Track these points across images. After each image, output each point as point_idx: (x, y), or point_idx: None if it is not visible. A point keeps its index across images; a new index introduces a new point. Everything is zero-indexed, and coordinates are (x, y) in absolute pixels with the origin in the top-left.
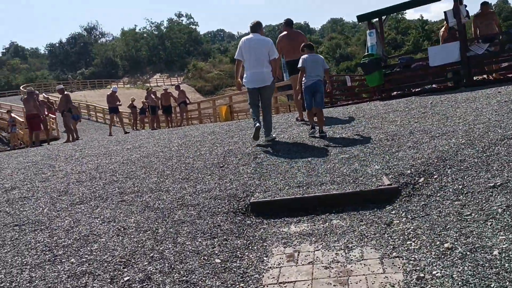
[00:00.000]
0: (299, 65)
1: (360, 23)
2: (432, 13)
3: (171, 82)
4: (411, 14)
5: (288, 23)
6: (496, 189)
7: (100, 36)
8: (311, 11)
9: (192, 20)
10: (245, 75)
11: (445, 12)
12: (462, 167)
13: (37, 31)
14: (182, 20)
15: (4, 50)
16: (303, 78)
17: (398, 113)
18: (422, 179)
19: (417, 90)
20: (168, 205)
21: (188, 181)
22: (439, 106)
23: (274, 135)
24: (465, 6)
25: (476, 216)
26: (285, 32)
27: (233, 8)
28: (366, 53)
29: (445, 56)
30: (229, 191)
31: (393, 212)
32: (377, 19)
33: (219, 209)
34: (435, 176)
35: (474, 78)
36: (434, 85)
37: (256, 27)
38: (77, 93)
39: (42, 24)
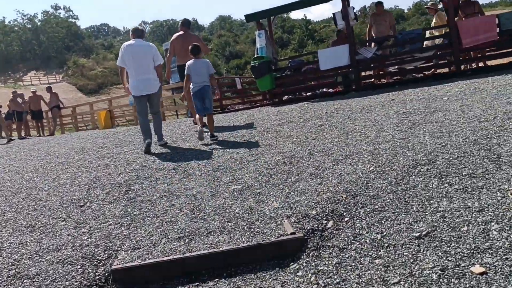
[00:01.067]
0: (185, 71)
1: (247, 23)
2: (314, 13)
3: (49, 79)
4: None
5: (184, 23)
6: (422, 240)
7: None
8: (200, 8)
9: (71, 13)
10: (130, 83)
11: (333, 14)
12: (376, 207)
13: None
14: (59, 13)
15: None
16: (190, 85)
17: (293, 126)
18: (331, 223)
19: (308, 94)
20: None
21: (33, 232)
22: (335, 117)
23: (165, 140)
24: (353, 8)
25: (406, 285)
26: (180, 33)
27: (118, 1)
28: (256, 55)
29: (335, 60)
30: (86, 248)
31: (299, 273)
32: (265, 19)
33: (67, 283)
34: (346, 219)
35: (363, 82)
36: (325, 89)
37: (140, 32)
38: None
39: None
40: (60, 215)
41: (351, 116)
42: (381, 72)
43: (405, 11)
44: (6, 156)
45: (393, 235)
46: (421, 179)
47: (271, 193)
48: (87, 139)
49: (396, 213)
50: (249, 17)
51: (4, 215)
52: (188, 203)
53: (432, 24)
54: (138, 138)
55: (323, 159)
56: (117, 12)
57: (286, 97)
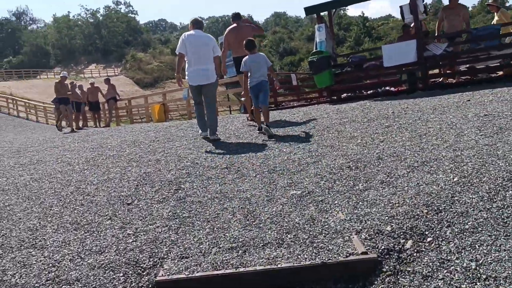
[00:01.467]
0: (241, 68)
1: (306, 17)
2: (371, 10)
3: (107, 73)
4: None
5: (235, 16)
6: None
7: (31, 22)
8: (255, 4)
9: (131, 8)
10: (187, 71)
11: (401, 7)
12: (467, 226)
13: None
14: (120, 8)
15: None
16: (248, 80)
17: (356, 125)
18: (410, 243)
19: (369, 92)
20: (31, 279)
21: (77, 230)
22: (403, 118)
23: (219, 136)
24: (423, 0)
25: None
26: (233, 26)
27: None
28: (314, 50)
29: (400, 56)
30: (130, 253)
31: None
32: (326, 12)
33: None
34: (428, 239)
35: (430, 81)
36: (388, 88)
37: (200, 24)
38: (1, 83)
39: None
40: (107, 213)
41: (422, 117)
42: (449, 71)
43: (469, 8)
44: (60, 146)
45: (492, 264)
46: None
47: (336, 202)
48: (140, 132)
49: (494, 237)
50: (308, 10)
51: (51, 209)
52: (241, 208)
53: (494, 22)
54: (190, 133)
55: (395, 164)
56: (174, 8)
57: (345, 94)
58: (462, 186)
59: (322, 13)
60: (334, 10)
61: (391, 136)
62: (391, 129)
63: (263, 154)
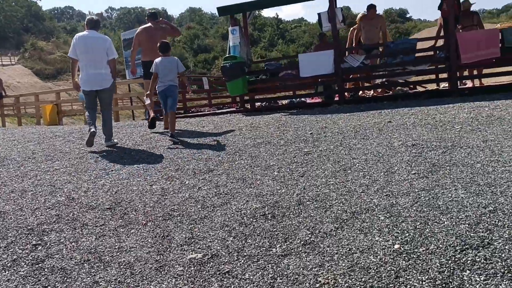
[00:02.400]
0: (151, 69)
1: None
2: (285, 12)
3: (2, 61)
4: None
5: (150, 15)
6: None
7: None
8: None
9: None
10: (80, 76)
11: (319, 15)
12: None
13: None
14: None
15: None
16: (156, 82)
17: (272, 149)
18: None
19: (284, 102)
20: None
21: None
22: (324, 142)
23: (115, 141)
24: (341, 9)
25: None
26: (146, 25)
27: None
28: (227, 55)
29: (317, 66)
30: None
31: None
32: (240, 14)
33: None
34: None
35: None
36: (303, 99)
37: (93, 24)
38: None
39: None
40: None
41: (343, 142)
42: (367, 84)
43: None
44: None
45: None
46: (481, 278)
47: (247, 276)
48: (18, 141)
49: None
50: (222, 10)
51: None
52: (119, 282)
53: None
54: (77, 147)
55: (319, 215)
56: None
57: (259, 104)
58: (407, 259)
59: (236, 15)
60: (249, 12)
61: (312, 168)
62: (311, 157)
63: (160, 188)
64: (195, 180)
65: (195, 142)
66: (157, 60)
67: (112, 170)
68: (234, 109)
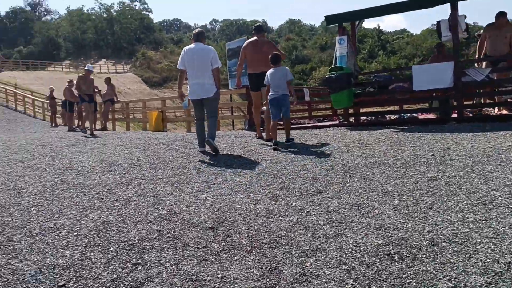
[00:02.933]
0: (265, 81)
1: (320, 26)
2: (387, 23)
3: (117, 69)
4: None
5: (257, 28)
6: None
7: (45, 13)
8: (270, 10)
9: (145, 6)
10: (188, 86)
11: (438, 23)
12: None
13: None
14: (135, 5)
15: None
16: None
17: (387, 172)
18: None
19: (393, 117)
20: None
21: None
22: (450, 166)
23: (217, 146)
24: (465, 17)
25: None
26: (253, 38)
27: None
28: (333, 65)
29: (434, 79)
30: None
31: None
32: (349, 22)
33: None
34: None
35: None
36: (415, 114)
37: (199, 36)
38: (7, 73)
39: None
40: None
41: (475, 168)
42: (490, 101)
43: None
44: (28, 158)
45: None
46: None
47: None
48: (125, 147)
49: None
50: (330, 19)
51: None
52: None
53: None
54: (180, 156)
55: (461, 262)
56: (190, 9)
57: (364, 118)
58: None
59: (344, 24)
60: (358, 21)
61: (442, 199)
62: (438, 184)
63: (265, 208)
64: (303, 202)
65: (298, 157)
66: (269, 71)
67: (214, 184)
68: (337, 122)
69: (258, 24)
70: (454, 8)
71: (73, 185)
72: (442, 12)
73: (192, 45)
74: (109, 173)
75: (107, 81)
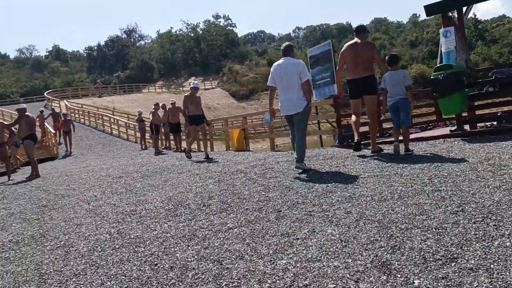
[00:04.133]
0: (381, 85)
1: (408, 22)
2: (482, 11)
3: (205, 86)
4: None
5: (357, 30)
6: None
7: (139, 38)
8: (354, 11)
9: (229, 21)
10: (279, 102)
11: None
12: None
13: (78, 34)
14: (219, 22)
15: (47, 53)
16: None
17: None
18: None
19: None
20: None
21: None
22: None
23: (308, 166)
24: None
25: None
26: (352, 41)
27: (274, 8)
28: (438, 64)
29: None
30: None
31: None
32: (455, 10)
33: None
34: None
35: None
36: None
37: (287, 51)
38: (106, 98)
39: (83, 28)
40: None
41: None
42: None
43: None
44: (97, 197)
45: None
46: None
47: None
48: (200, 177)
49: None
50: (431, 9)
51: None
52: None
53: None
54: (260, 187)
55: None
56: (273, 19)
57: (482, 124)
58: None
59: (450, 13)
60: (466, 7)
61: None
62: None
63: None
64: (429, 278)
65: (409, 190)
66: (386, 74)
67: (297, 238)
68: (447, 131)
69: (359, 25)
70: None
71: (128, 241)
72: None
73: (281, 61)
74: (173, 219)
75: (172, 105)
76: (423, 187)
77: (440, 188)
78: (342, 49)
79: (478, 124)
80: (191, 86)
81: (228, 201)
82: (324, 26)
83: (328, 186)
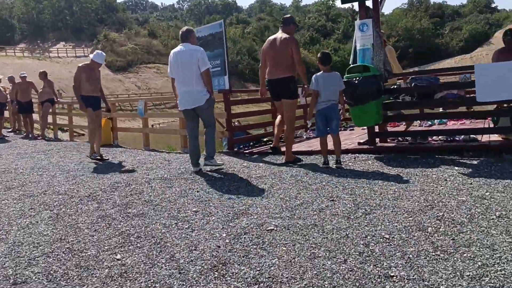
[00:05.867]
0: (311, 86)
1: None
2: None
3: (76, 53)
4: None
5: (282, 21)
6: None
7: None
8: None
9: None
10: (178, 94)
11: None
12: None
13: None
14: None
15: None
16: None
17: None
18: None
19: (440, 140)
20: None
21: None
22: None
23: (219, 162)
24: None
25: None
26: (275, 35)
27: None
28: (352, 63)
29: (507, 85)
30: None
31: None
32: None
33: None
34: None
35: None
36: (473, 136)
37: (186, 36)
38: None
39: None
40: None
41: None
42: None
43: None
44: None
45: None
46: None
47: None
48: (39, 196)
49: None
50: None
51: None
52: None
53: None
54: (123, 227)
55: None
56: None
57: (396, 141)
58: None
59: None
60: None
61: None
62: None
63: None
64: None
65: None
66: (317, 75)
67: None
68: (353, 144)
69: (285, 16)
70: None
71: None
72: None
73: (178, 48)
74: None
75: (42, 76)
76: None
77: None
78: (264, 45)
79: (389, 139)
80: (92, 57)
81: (57, 275)
82: (210, 0)
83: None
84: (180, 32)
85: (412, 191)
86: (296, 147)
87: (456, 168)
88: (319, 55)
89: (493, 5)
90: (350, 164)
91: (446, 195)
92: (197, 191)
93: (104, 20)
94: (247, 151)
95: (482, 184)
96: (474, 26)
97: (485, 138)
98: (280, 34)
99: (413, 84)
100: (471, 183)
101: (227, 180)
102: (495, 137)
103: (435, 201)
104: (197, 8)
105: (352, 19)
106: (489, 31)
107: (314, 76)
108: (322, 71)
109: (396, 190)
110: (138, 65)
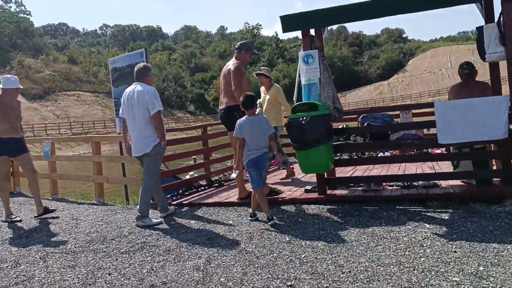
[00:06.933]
0: (235, 133)
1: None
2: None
3: None
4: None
5: (236, 48)
6: None
7: None
8: (164, 16)
9: (23, 8)
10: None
11: (480, 29)
12: None
13: None
14: (10, 7)
15: None
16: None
17: None
18: None
19: (395, 188)
20: None
21: None
22: None
23: (156, 221)
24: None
25: None
26: (229, 66)
27: (79, 1)
28: (296, 100)
29: (474, 126)
30: None
31: None
32: (313, 29)
33: None
34: None
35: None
36: (435, 181)
37: (140, 74)
38: None
39: None
40: None
41: None
42: None
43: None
44: None
45: None
46: None
47: None
48: None
49: None
50: (290, 23)
51: None
52: None
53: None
54: None
55: None
56: (77, 12)
57: (345, 190)
58: None
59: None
60: (325, 28)
61: None
62: None
63: None
64: None
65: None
66: (241, 121)
67: None
68: (306, 193)
69: (242, 41)
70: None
71: None
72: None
73: (130, 87)
74: None
75: None
76: None
77: None
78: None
79: (338, 185)
80: (1, 85)
81: None
82: (134, 26)
83: None
84: (136, 69)
85: (388, 267)
86: (226, 197)
87: (428, 226)
88: (241, 98)
89: (404, 35)
90: (300, 219)
91: (433, 272)
92: (108, 274)
93: (18, 46)
94: (174, 202)
95: (468, 252)
96: (390, 54)
97: (444, 182)
98: (230, 61)
99: (365, 124)
100: (454, 251)
101: (149, 252)
102: (456, 182)
103: (422, 284)
104: (121, 34)
105: (276, 47)
106: (403, 59)
107: (238, 121)
108: (246, 116)
109: (368, 265)
110: (56, 92)
